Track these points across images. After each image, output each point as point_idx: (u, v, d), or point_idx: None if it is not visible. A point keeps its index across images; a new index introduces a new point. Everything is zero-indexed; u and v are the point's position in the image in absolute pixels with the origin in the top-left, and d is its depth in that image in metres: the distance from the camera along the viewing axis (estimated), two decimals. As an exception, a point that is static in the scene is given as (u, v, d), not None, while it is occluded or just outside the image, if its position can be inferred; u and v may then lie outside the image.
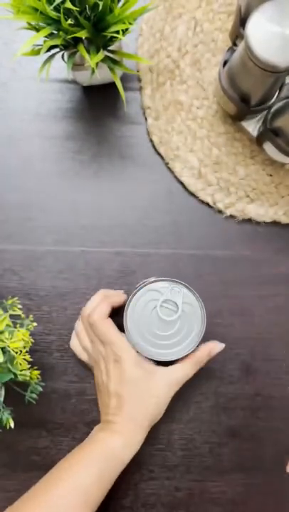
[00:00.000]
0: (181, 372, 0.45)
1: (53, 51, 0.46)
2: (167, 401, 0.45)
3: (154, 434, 0.51)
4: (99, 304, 0.47)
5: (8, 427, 0.42)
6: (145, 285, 0.46)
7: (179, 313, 0.45)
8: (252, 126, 0.52)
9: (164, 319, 0.45)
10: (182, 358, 0.46)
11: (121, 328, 0.46)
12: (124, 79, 0.55)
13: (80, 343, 0.50)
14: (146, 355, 0.45)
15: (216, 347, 0.47)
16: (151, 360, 0.46)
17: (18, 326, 0.43)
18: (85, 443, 0.45)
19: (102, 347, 0.46)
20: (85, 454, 0.43)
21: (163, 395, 0.45)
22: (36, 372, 0.44)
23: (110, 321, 0.46)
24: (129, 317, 0.46)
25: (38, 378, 0.44)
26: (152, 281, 0.46)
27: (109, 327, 0.46)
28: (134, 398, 0.44)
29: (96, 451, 0.43)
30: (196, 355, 0.46)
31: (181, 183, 0.54)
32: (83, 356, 0.50)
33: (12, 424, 0.42)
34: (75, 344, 0.50)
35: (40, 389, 0.44)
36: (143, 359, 0.45)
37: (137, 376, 0.44)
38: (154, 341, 0.45)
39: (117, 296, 0.49)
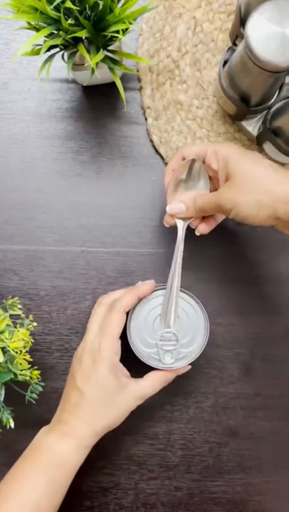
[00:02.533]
0: (150, 389, 0.44)
1: (53, 51, 0.46)
2: (128, 413, 0.44)
3: (154, 434, 0.51)
4: (125, 295, 0.45)
5: (8, 427, 0.42)
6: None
7: (176, 324, 0.45)
8: (252, 126, 0.52)
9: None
10: (152, 374, 0.45)
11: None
12: (124, 79, 0.55)
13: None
14: (148, 363, 0.45)
15: (183, 369, 0.46)
16: (149, 365, 0.45)
17: (18, 326, 0.43)
18: (32, 450, 0.42)
19: (90, 335, 0.44)
20: (32, 464, 0.41)
21: (127, 408, 0.43)
22: (36, 372, 0.44)
23: (123, 319, 0.44)
24: (132, 325, 0.46)
25: (38, 378, 0.44)
26: (157, 289, 0.47)
27: (117, 324, 0.43)
28: (97, 403, 0.42)
29: (43, 460, 0.41)
30: (167, 375, 0.45)
31: (181, 183, 0.54)
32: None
33: (12, 424, 0.42)
34: None
35: (40, 389, 0.44)
36: (120, 369, 0.44)
37: (108, 384, 0.42)
38: (157, 350, 0.46)
39: (145, 288, 0.46)
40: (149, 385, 0.44)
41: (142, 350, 0.45)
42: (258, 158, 0.42)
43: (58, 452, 0.41)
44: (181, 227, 0.47)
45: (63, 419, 0.42)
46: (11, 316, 0.43)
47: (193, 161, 0.46)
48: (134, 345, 0.45)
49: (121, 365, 0.44)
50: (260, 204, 0.39)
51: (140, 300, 0.46)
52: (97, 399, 0.42)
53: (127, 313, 0.46)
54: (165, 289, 0.46)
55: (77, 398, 0.42)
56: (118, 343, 0.44)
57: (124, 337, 0.45)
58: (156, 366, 0.45)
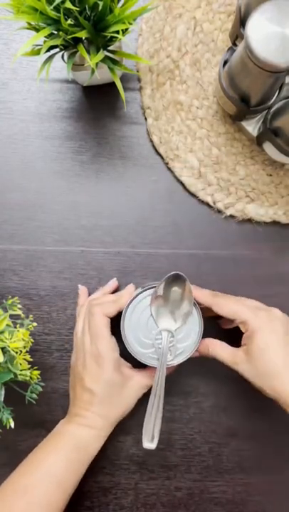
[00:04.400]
0: (151, 379, 0.47)
1: (53, 51, 0.46)
2: (136, 400, 0.47)
3: (154, 434, 0.51)
4: (110, 302, 0.47)
5: (8, 427, 0.42)
6: (143, 291, 0.46)
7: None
8: (252, 126, 0.52)
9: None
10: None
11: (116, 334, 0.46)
12: (124, 79, 0.55)
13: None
14: (144, 362, 0.45)
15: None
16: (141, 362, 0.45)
17: (18, 326, 0.43)
18: (53, 435, 0.46)
19: (88, 339, 0.46)
20: (53, 444, 0.45)
21: (135, 397, 0.46)
22: (36, 372, 0.44)
23: (108, 320, 0.46)
24: (126, 323, 0.46)
25: (38, 378, 0.44)
26: (151, 287, 0.46)
27: (104, 324, 0.46)
28: (107, 399, 0.45)
29: (63, 442, 0.44)
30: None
31: (181, 183, 0.54)
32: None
33: (12, 424, 0.42)
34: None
35: (40, 389, 0.44)
36: (122, 363, 0.47)
37: (114, 380, 0.45)
38: (151, 346, 0.45)
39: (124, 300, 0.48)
40: (150, 375, 0.47)
41: (138, 350, 0.45)
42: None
43: (77, 437, 0.44)
44: (166, 337, 0.46)
45: (79, 413, 0.45)
46: (11, 316, 0.43)
47: (175, 277, 0.45)
48: (129, 345, 0.45)
49: (122, 359, 0.47)
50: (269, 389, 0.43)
51: (131, 300, 0.46)
52: (107, 395, 0.45)
53: (120, 314, 0.46)
54: (151, 288, 0.46)
55: (89, 397, 0.45)
56: (113, 340, 0.46)
57: (117, 334, 0.45)
58: (155, 365, 0.45)
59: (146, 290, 0.46)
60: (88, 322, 0.47)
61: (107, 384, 0.45)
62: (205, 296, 0.46)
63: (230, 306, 0.45)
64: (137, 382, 0.46)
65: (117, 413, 0.46)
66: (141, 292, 0.46)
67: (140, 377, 0.47)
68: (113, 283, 0.52)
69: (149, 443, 0.43)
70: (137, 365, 0.46)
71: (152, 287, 0.46)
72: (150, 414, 0.43)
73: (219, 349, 0.45)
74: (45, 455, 0.44)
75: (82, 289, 0.52)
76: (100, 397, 0.45)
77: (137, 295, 0.46)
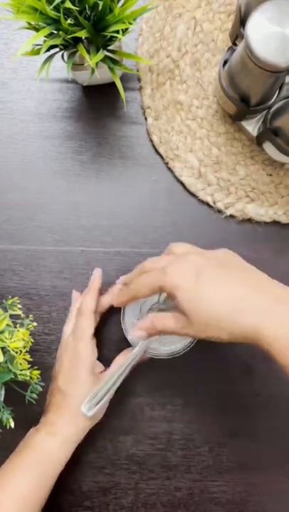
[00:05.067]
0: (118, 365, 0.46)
1: (52, 51, 0.46)
2: (106, 404, 0.46)
3: (154, 434, 0.51)
4: (85, 298, 0.48)
5: (8, 427, 0.42)
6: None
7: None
8: (252, 126, 0.52)
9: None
10: (117, 359, 0.47)
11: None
12: (124, 79, 0.55)
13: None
14: (145, 353, 0.46)
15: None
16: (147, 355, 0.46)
17: (18, 325, 0.43)
18: (21, 448, 0.45)
19: (71, 339, 0.47)
20: (20, 460, 0.43)
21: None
22: (36, 372, 0.44)
23: (92, 322, 0.47)
24: (126, 315, 0.46)
25: (38, 378, 0.44)
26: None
27: (88, 326, 0.46)
28: (78, 402, 0.44)
29: (32, 456, 0.43)
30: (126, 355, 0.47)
31: (181, 183, 0.54)
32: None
33: (12, 424, 0.42)
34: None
35: (40, 389, 0.44)
36: (98, 366, 0.47)
37: (87, 382, 0.45)
38: (150, 339, 0.46)
39: (95, 282, 0.50)
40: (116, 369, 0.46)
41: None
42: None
43: (44, 449, 0.43)
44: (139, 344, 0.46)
45: (49, 420, 0.45)
46: (11, 316, 0.43)
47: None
48: (127, 332, 0.46)
49: (98, 362, 0.47)
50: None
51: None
52: (78, 398, 0.44)
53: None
54: None
55: (60, 398, 0.45)
56: (92, 343, 0.46)
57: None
58: (151, 354, 0.46)
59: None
60: (76, 322, 0.48)
61: (79, 385, 0.44)
62: (123, 297, 0.43)
63: (145, 282, 0.40)
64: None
65: (88, 419, 0.45)
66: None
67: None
68: (97, 272, 0.51)
69: (87, 410, 0.43)
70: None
71: None
72: (105, 384, 0.44)
73: (164, 320, 0.40)
74: (13, 473, 0.43)
75: (76, 295, 0.52)
76: (71, 400, 0.44)
77: None
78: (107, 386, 0.44)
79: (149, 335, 0.41)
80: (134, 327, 0.42)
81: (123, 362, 0.46)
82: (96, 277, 0.51)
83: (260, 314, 0.35)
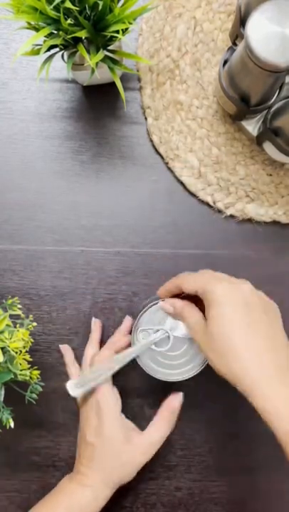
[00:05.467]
0: (157, 435, 0.45)
1: (52, 51, 0.46)
2: (140, 466, 0.44)
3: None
4: (102, 349, 0.48)
5: (8, 427, 0.42)
6: (153, 304, 0.46)
7: (170, 344, 0.45)
8: (252, 126, 0.52)
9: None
10: (155, 420, 0.46)
11: None
12: (124, 79, 0.55)
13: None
14: (154, 376, 0.45)
15: (176, 399, 0.47)
16: (159, 379, 0.46)
17: (18, 326, 0.43)
18: (55, 493, 0.45)
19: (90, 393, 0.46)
20: (53, 505, 0.43)
21: (135, 463, 0.44)
22: (36, 372, 0.44)
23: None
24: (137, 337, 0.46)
25: (37, 378, 0.44)
26: (146, 309, 0.47)
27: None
28: (107, 455, 0.44)
29: (64, 504, 0.43)
30: (164, 414, 0.46)
31: (181, 183, 0.54)
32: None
33: (12, 424, 0.42)
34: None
35: (40, 389, 0.44)
36: (123, 419, 0.46)
37: (114, 436, 0.44)
38: (162, 361, 0.46)
39: (121, 341, 0.49)
40: (153, 431, 0.45)
41: (148, 364, 0.46)
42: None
43: (77, 498, 0.43)
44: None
45: (80, 471, 0.44)
46: (10, 316, 0.43)
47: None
48: (140, 360, 0.46)
49: (123, 417, 0.46)
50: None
51: (141, 316, 0.46)
52: (107, 450, 0.44)
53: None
54: (155, 304, 0.47)
55: (90, 451, 0.44)
56: (115, 392, 0.46)
57: None
58: (161, 378, 0.45)
59: (155, 304, 0.47)
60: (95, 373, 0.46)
61: (106, 438, 0.44)
62: (169, 284, 0.44)
63: (195, 279, 0.42)
64: (138, 445, 0.45)
65: (115, 474, 0.44)
66: (151, 306, 0.46)
67: (140, 439, 0.45)
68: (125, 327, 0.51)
69: (73, 388, 0.43)
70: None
71: (153, 305, 0.47)
72: (98, 370, 0.44)
73: (193, 311, 0.41)
74: None
75: (97, 325, 0.52)
76: (100, 452, 0.44)
77: (147, 309, 0.46)
78: (97, 374, 0.44)
79: (173, 313, 0.44)
80: (166, 301, 0.44)
81: (116, 357, 0.45)
82: (96, 327, 0.51)
83: (277, 402, 0.35)
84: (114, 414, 0.45)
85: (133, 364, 0.47)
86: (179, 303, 0.43)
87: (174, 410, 0.46)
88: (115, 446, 0.44)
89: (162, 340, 0.46)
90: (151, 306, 0.46)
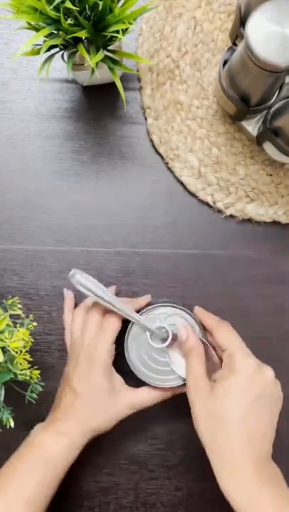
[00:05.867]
0: (144, 400, 0.45)
1: (52, 51, 0.46)
2: (120, 417, 0.45)
3: (154, 434, 0.51)
4: (126, 304, 0.47)
5: (8, 427, 0.42)
6: (147, 310, 0.47)
7: (169, 340, 0.45)
8: (252, 126, 0.52)
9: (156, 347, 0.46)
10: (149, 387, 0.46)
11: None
12: (124, 79, 0.55)
13: (69, 324, 0.50)
14: (146, 381, 0.46)
15: (180, 389, 0.47)
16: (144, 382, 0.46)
17: (18, 325, 0.43)
18: (26, 448, 0.43)
19: (89, 337, 0.45)
20: (25, 462, 0.42)
21: (117, 413, 0.44)
22: (36, 371, 0.44)
23: (119, 327, 0.46)
24: (130, 343, 0.47)
25: (38, 378, 0.44)
26: (155, 306, 0.47)
27: (116, 329, 0.46)
28: (89, 404, 0.43)
29: (36, 458, 0.42)
30: (163, 393, 0.46)
31: (181, 183, 0.54)
32: (68, 337, 0.49)
33: (12, 424, 0.42)
34: (66, 319, 0.51)
35: (40, 388, 0.44)
36: (114, 374, 0.45)
37: (101, 386, 0.44)
38: (154, 367, 0.46)
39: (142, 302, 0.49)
40: (143, 395, 0.46)
41: (139, 367, 0.46)
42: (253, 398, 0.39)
43: (50, 451, 0.42)
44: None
45: (57, 417, 0.44)
46: (11, 315, 0.43)
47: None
48: (131, 361, 0.46)
49: (114, 370, 0.46)
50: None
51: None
52: (90, 400, 0.44)
53: (124, 329, 0.47)
54: (164, 306, 0.47)
55: (72, 398, 0.44)
56: (113, 348, 0.45)
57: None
58: (154, 384, 0.46)
59: (152, 309, 0.47)
60: (104, 322, 0.46)
61: (93, 387, 0.44)
62: (211, 319, 0.46)
63: (230, 335, 0.44)
64: (124, 398, 0.45)
65: (95, 425, 0.44)
66: (144, 312, 0.47)
67: (129, 394, 0.45)
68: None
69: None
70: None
71: (156, 307, 0.47)
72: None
73: (197, 356, 0.43)
74: (17, 473, 0.41)
75: (69, 295, 0.52)
76: (82, 401, 0.43)
77: (142, 313, 0.47)
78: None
79: (183, 344, 0.44)
80: (185, 329, 0.44)
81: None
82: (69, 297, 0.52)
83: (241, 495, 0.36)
84: (105, 365, 0.44)
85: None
86: (193, 342, 0.43)
87: (173, 392, 0.47)
88: (99, 394, 0.44)
89: (159, 340, 0.46)
90: (162, 305, 0.47)
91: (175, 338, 0.45)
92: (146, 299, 0.50)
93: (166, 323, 0.46)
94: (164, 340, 0.45)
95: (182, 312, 0.47)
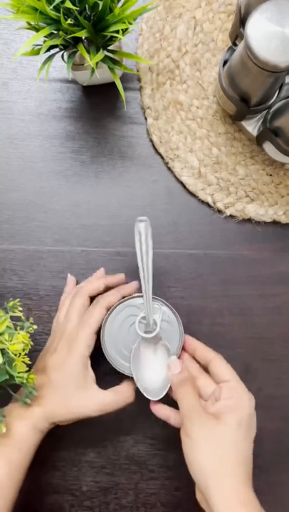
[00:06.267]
0: (113, 398, 0.44)
1: (52, 51, 0.46)
2: (84, 418, 0.44)
3: (154, 434, 0.51)
4: (94, 280, 0.48)
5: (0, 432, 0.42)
6: (124, 300, 0.47)
7: (157, 330, 0.45)
8: (252, 126, 0.52)
9: (141, 336, 0.45)
10: (118, 387, 0.45)
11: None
12: (124, 79, 0.55)
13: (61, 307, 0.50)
14: (121, 371, 0.45)
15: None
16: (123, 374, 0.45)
17: (18, 328, 0.43)
18: None
19: (72, 324, 0.45)
20: None
21: (84, 412, 0.44)
22: (33, 376, 0.43)
23: (103, 317, 0.46)
24: (106, 331, 0.46)
25: (33, 383, 0.43)
26: (132, 297, 0.47)
27: (99, 319, 0.45)
28: (58, 393, 0.43)
29: (2, 443, 0.41)
30: (124, 393, 0.45)
31: (181, 183, 0.54)
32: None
33: (4, 430, 0.41)
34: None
35: (35, 393, 0.43)
36: (89, 367, 0.45)
37: (75, 376, 0.43)
38: (130, 357, 0.45)
39: (115, 278, 0.49)
40: (112, 395, 0.44)
41: (116, 358, 0.46)
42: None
43: (16, 436, 0.42)
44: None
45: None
46: (11, 317, 0.42)
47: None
48: (107, 352, 0.46)
49: (90, 365, 0.45)
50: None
51: (112, 310, 0.46)
52: (59, 388, 0.43)
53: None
54: (138, 297, 0.47)
55: (42, 383, 0.43)
56: (94, 338, 0.45)
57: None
58: (132, 375, 0.45)
59: (126, 300, 0.47)
60: (88, 311, 0.46)
61: (66, 376, 0.43)
62: (206, 352, 0.46)
63: (228, 367, 0.45)
64: (93, 397, 0.44)
65: (60, 415, 0.43)
66: (121, 302, 0.47)
67: (97, 394, 0.44)
68: (100, 272, 0.51)
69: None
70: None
71: (134, 297, 0.47)
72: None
73: (191, 391, 0.43)
74: None
75: (71, 278, 0.52)
76: (52, 388, 0.43)
77: (117, 304, 0.47)
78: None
79: (175, 376, 0.44)
80: (178, 362, 0.44)
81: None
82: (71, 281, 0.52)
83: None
84: (81, 357, 0.43)
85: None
86: (186, 374, 0.43)
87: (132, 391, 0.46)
88: (70, 387, 0.43)
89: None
90: (119, 303, 0.47)
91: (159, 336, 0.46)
92: (134, 285, 0.49)
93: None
94: (149, 332, 0.45)
95: (161, 304, 0.47)
